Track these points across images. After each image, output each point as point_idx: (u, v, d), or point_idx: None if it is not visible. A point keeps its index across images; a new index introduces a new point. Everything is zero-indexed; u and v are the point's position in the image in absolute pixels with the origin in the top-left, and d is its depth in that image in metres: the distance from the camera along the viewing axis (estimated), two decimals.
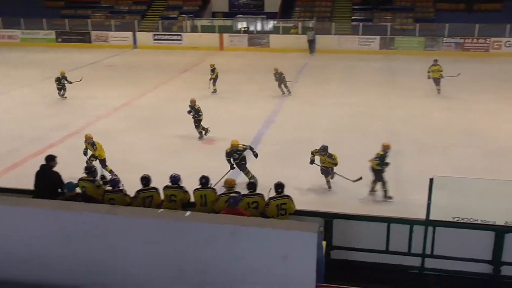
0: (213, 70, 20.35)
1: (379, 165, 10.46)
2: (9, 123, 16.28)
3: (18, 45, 34.96)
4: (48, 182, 8.07)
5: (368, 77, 24.03)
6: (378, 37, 31.10)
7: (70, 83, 19.56)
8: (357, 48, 31.08)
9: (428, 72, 19.67)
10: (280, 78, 19.94)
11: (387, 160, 10.52)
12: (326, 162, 11.07)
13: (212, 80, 20.35)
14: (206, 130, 14.73)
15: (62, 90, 19.76)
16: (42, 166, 8.28)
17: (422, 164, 12.51)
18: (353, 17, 34.79)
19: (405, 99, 19.41)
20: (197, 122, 14.61)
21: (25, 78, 23.61)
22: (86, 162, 11.08)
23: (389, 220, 7.61)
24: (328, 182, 11.47)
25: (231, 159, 11.27)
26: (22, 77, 23.89)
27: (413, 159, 13.12)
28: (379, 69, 26.11)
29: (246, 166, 11.35)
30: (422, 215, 7.54)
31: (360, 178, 11.00)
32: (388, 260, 7.67)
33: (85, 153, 11.71)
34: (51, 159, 8.35)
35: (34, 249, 5.75)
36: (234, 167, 11.32)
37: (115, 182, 7.98)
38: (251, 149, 11.40)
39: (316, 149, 11.13)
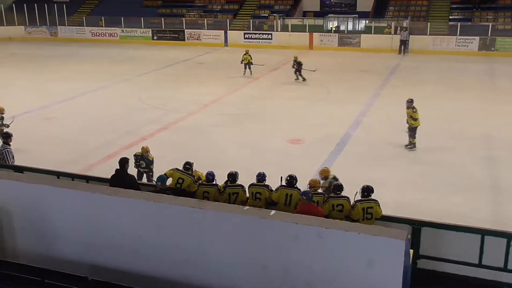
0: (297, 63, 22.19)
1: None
2: (108, 116, 17.13)
3: (117, 42, 36.82)
4: (124, 185, 7.92)
5: (464, 79, 22.96)
6: (477, 37, 29.62)
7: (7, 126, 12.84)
8: (454, 49, 29.81)
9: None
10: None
11: None
12: None
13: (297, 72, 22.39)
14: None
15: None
16: (117, 171, 8.39)
17: None
18: (450, 17, 33.37)
19: (506, 104, 18.28)
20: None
21: (123, 73, 24.79)
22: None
23: (483, 232, 7.18)
24: None
25: (138, 164, 10.55)
26: (120, 72, 25.11)
27: None
28: (478, 71, 24.85)
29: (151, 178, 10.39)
30: None
31: None
32: (480, 275, 7.24)
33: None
34: (126, 162, 8.47)
35: (126, 237, 5.99)
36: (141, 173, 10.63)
37: (212, 176, 8.17)
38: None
39: None
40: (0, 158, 10.15)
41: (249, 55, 23.99)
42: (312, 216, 5.92)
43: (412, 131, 13.45)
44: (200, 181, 8.44)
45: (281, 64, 27.17)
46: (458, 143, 14.03)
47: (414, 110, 13.33)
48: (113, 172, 8.39)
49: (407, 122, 13.51)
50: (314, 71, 22.11)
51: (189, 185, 8.29)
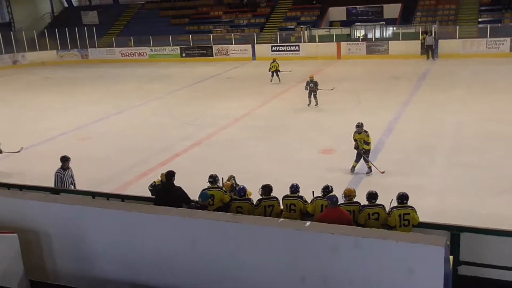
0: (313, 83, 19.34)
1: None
2: (141, 134, 17.35)
3: (146, 61, 37.43)
4: (173, 198, 8.13)
5: (497, 81, 22.51)
6: (508, 38, 29.07)
7: (1, 152, 13.82)
8: (485, 51, 29.32)
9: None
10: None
11: None
12: None
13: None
14: None
15: None
16: (164, 184, 8.49)
17: None
18: (480, 19, 32.82)
19: None
20: None
21: (154, 92, 25.14)
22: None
23: None
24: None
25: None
26: (151, 91, 25.47)
27: None
28: (511, 72, 24.33)
29: None
30: None
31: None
32: None
33: None
34: (173, 175, 8.51)
35: (162, 254, 6.03)
36: None
37: (243, 190, 8.19)
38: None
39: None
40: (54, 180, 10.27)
41: (277, 63, 25.04)
42: (348, 225, 5.89)
43: (367, 154, 12.35)
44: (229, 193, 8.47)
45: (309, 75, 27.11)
46: (494, 145, 13.74)
47: (367, 134, 12.25)
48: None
49: (357, 148, 12.30)
50: (332, 89, 20.01)
51: (221, 198, 8.31)
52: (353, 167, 12.49)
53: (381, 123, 16.60)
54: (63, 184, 10.23)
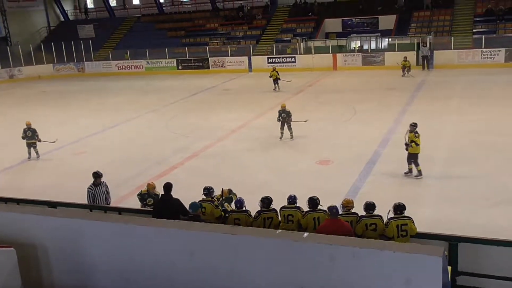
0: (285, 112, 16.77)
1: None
2: (137, 147, 17.34)
3: (143, 74, 37.48)
4: (171, 210, 8.14)
5: (493, 91, 22.63)
6: (503, 49, 29.26)
7: (40, 141, 16.15)
8: (480, 62, 29.48)
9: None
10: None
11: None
12: None
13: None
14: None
15: (31, 147, 16.04)
16: (163, 196, 8.52)
17: None
18: (474, 30, 33.05)
19: None
20: None
21: (150, 104, 25.15)
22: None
23: None
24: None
25: (145, 203, 9.90)
26: (147, 104, 25.48)
27: None
28: (506, 82, 24.49)
29: None
30: None
31: None
32: None
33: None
34: (170, 186, 8.54)
35: (160, 266, 6.01)
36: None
37: (241, 202, 8.18)
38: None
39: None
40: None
41: (276, 72, 25.88)
42: (345, 236, 5.88)
43: (412, 158, 12.40)
44: (220, 202, 8.48)
45: (306, 87, 27.25)
46: (490, 156, 13.79)
47: (417, 135, 12.28)
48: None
49: (406, 149, 12.42)
50: (305, 121, 17.50)
51: (211, 212, 8.27)
52: (410, 170, 12.60)
53: (377, 134, 16.64)
54: (95, 200, 10.17)
